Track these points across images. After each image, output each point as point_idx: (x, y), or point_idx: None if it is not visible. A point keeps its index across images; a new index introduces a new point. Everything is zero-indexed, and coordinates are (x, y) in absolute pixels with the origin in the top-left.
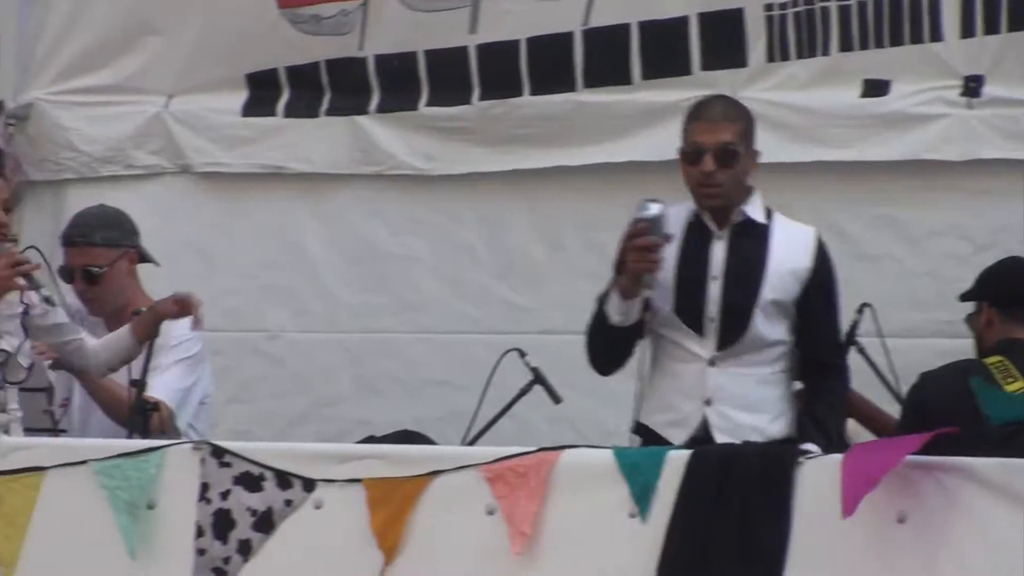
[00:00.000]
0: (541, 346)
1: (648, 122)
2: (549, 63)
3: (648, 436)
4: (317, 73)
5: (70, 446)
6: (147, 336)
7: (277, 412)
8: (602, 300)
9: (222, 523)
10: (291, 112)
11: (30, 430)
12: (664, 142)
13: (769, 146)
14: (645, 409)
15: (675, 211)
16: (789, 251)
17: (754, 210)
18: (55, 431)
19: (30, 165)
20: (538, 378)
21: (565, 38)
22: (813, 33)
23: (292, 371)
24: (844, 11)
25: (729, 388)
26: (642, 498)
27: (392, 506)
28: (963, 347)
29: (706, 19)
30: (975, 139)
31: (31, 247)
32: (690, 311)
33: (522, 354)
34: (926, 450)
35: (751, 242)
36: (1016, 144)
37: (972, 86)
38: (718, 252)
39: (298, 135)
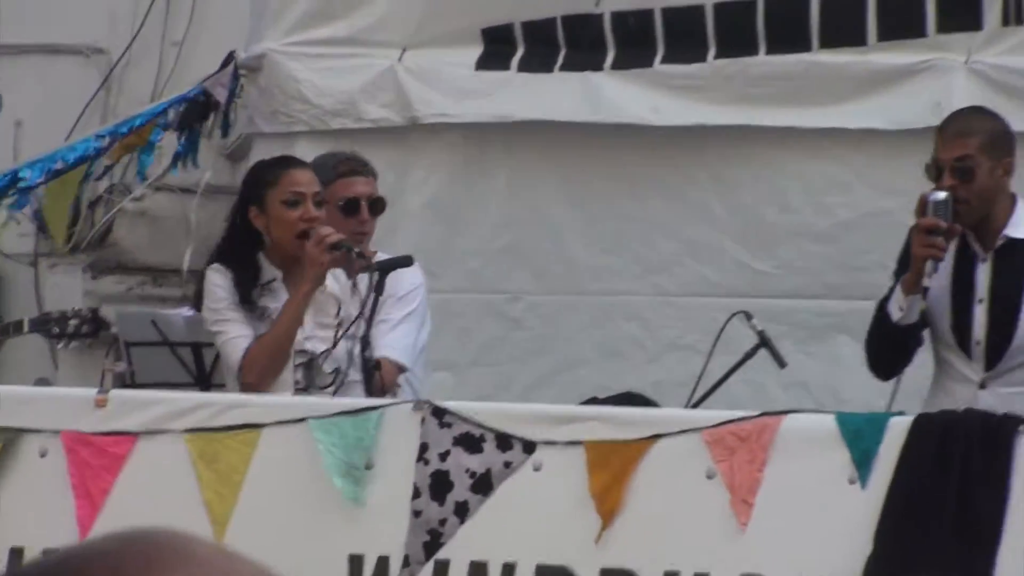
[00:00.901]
0: (781, 311)
1: (881, 87)
2: (785, 22)
3: None
4: (553, 29)
5: (288, 403)
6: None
7: (517, 376)
8: (882, 304)
9: (440, 484)
10: (525, 67)
11: None
12: (895, 107)
13: (1005, 113)
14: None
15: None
16: None
17: (1017, 227)
18: None
19: (260, 117)
20: (764, 342)
21: None
22: None
23: (533, 334)
24: None
25: (1000, 409)
26: (862, 464)
27: (612, 469)
28: None
29: None
30: None
31: None
32: (959, 333)
33: (748, 317)
34: None
35: (1015, 263)
36: None
37: None
38: (982, 275)
39: (532, 89)
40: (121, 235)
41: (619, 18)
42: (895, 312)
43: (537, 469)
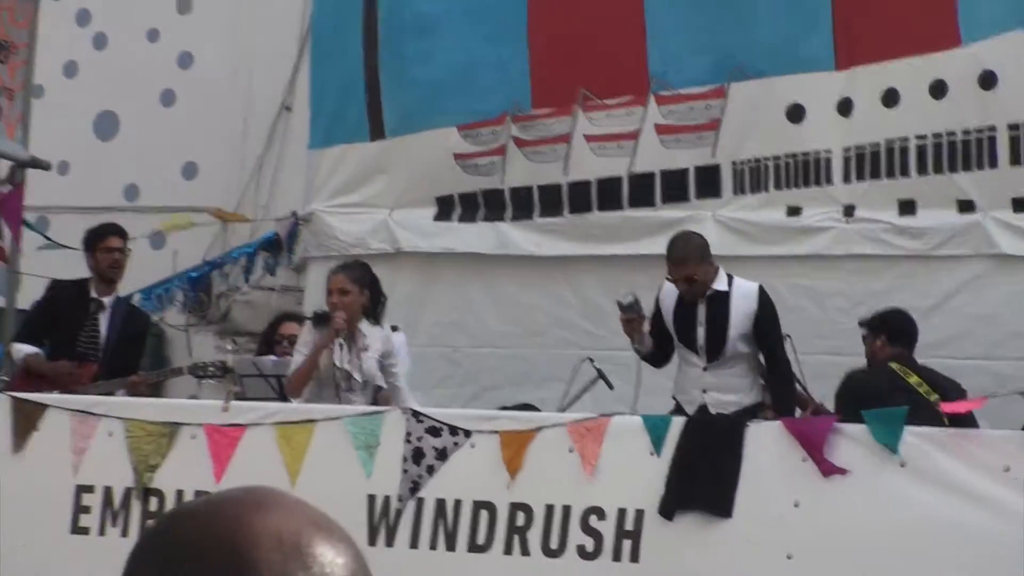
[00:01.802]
0: (607, 356)
1: (665, 231)
2: (607, 193)
3: (677, 407)
4: (476, 197)
5: (331, 409)
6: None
7: (459, 395)
8: (635, 349)
9: (417, 455)
10: (461, 219)
11: None
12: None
13: (737, 249)
14: (675, 391)
15: (671, 287)
16: (743, 303)
17: (719, 283)
18: None
19: (311, 247)
20: (600, 374)
21: (615, 181)
22: (756, 180)
23: (468, 371)
24: (776, 168)
25: (715, 383)
26: (657, 444)
27: (515, 446)
28: (845, 361)
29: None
30: (852, 242)
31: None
32: (687, 343)
33: (592, 360)
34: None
35: (719, 304)
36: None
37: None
38: (701, 312)
39: (464, 233)
40: (235, 314)
41: (514, 191)
42: (639, 350)
43: (473, 447)
